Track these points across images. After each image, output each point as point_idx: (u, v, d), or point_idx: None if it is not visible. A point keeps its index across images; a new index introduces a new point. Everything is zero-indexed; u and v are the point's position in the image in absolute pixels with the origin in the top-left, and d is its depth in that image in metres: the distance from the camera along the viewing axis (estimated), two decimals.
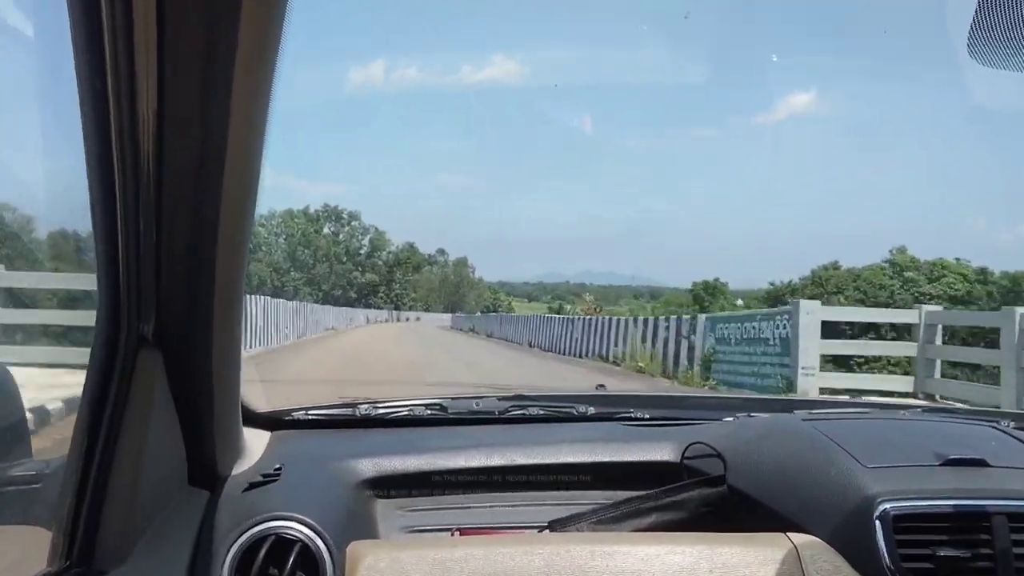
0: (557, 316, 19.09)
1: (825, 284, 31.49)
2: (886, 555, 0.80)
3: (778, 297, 30.95)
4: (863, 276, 30.93)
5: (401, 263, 57.02)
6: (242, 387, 0.88)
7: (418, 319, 51.28)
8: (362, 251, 57.84)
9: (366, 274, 54.59)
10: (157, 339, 0.74)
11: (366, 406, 1.19)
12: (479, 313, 47.72)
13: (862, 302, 28.79)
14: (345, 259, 54.32)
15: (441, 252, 61.02)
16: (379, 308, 49.66)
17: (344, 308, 35.33)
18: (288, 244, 52.50)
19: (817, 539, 0.84)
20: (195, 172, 0.63)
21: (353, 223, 58.00)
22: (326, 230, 55.31)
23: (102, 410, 0.71)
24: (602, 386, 1.46)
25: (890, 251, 31.27)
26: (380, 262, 57.55)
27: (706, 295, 36.52)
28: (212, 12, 0.53)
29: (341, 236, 56.08)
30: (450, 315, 51.72)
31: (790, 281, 32.83)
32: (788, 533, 0.85)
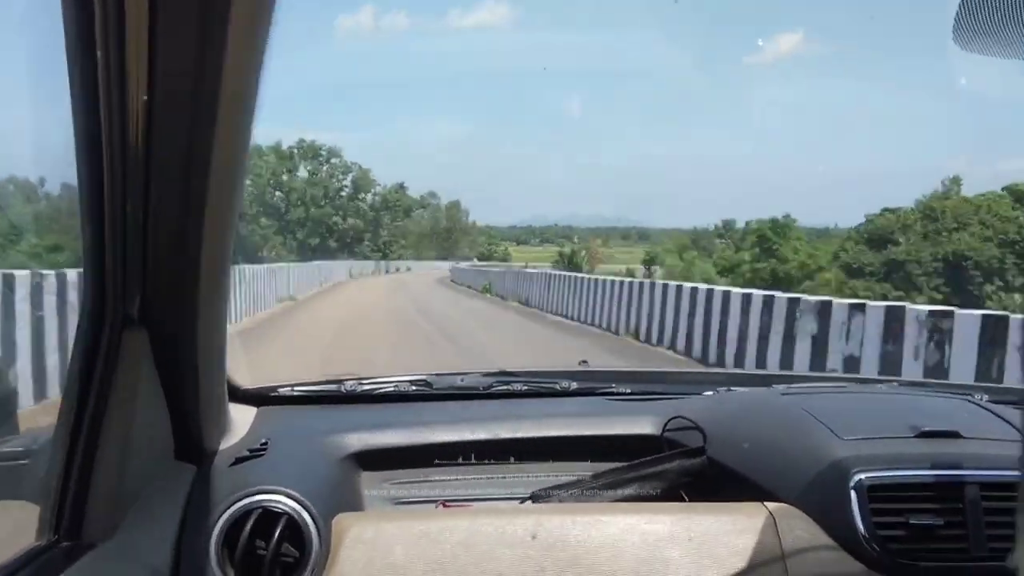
0: (617, 280, 10.36)
1: (941, 217, 26.93)
2: (861, 524, 0.81)
3: (884, 237, 25.56)
4: (984, 207, 26.38)
5: (389, 206, 49.75)
6: (228, 363, 0.89)
7: (408, 269, 45.29)
8: (343, 192, 49.40)
9: (348, 219, 46.18)
10: (143, 318, 0.73)
11: (352, 382, 1.18)
12: (476, 261, 43.09)
13: (990, 239, 24.04)
14: (324, 202, 44.62)
15: (432, 195, 54.36)
16: (365, 258, 42.32)
17: (321, 262, 26.95)
18: (255, 186, 41.80)
19: (794, 508, 0.86)
20: (183, 151, 0.63)
21: (333, 160, 48.88)
22: (301, 170, 45.73)
23: (89, 387, 0.71)
24: (584, 361, 1.46)
25: (942, 182, 27.15)
26: (364, 205, 49.37)
27: (774, 236, 28.69)
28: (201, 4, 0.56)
29: (319, 176, 46.15)
30: (447, 264, 45.90)
31: (880, 212, 26.94)
32: (766, 503, 0.86)
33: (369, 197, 50.91)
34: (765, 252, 27.87)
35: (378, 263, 42.03)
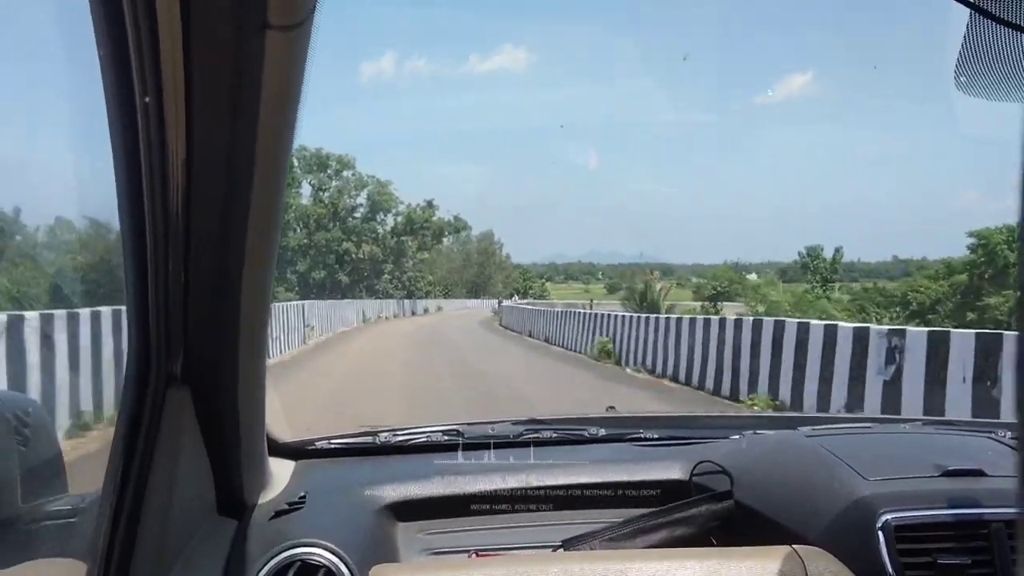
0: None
1: None
2: (889, 564, 0.92)
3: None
4: None
5: (415, 229, 43.31)
6: (267, 419, 1.02)
7: (439, 309, 42.91)
8: (357, 213, 42.76)
9: (363, 246, 40.48)
10: (185, 376, 0.85)
11: (386, 434, 1.35)
12: (516, 298, 41.71)
13: None
14: (332, 225, 39.30)
15: (458, 219, 46.92)
16: (387, 296, 38.31)
17: (315, 302, 19.98)
18: None
19: (822, 550, 0.95)
20: (221, 215, 0.74)
21: (345, 173, 41.66)
22: (304, 186, 39.94)
23: (134, 445, 0.82)
24: (612, 407, 1.63)
25: None
26: (384, 229, 43.11)
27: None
28: (238, 59, 0.64)
29: (327, 193, 40.26)
30: (479, 303, 46.65)
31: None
32: (794, 545, 0.96)
33: (390, 220, 44.35)
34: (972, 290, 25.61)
35: (401, 302, 37.86)
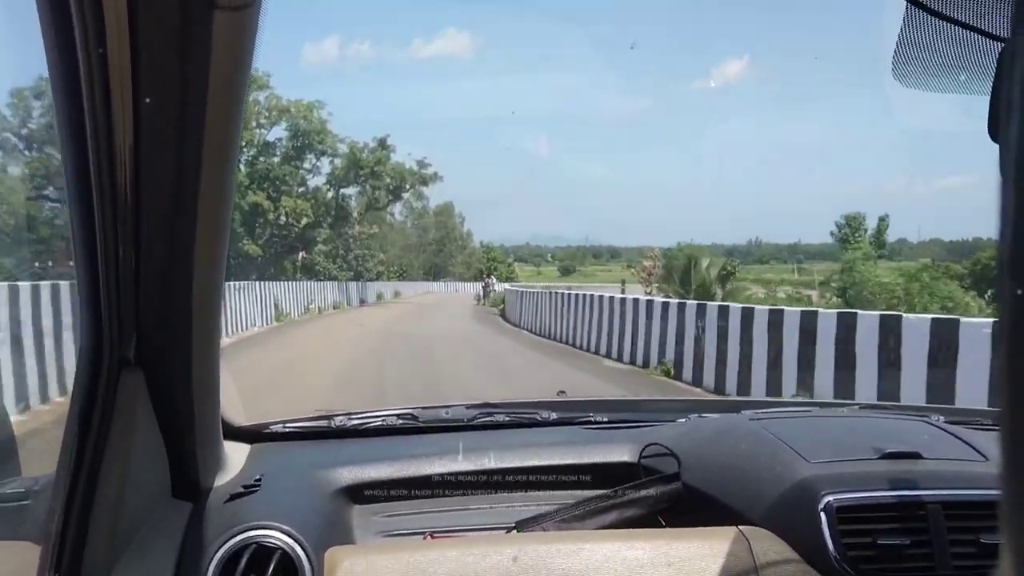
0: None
1: None
2: (831, 544, 1.08)
3: None
4: None
5: (362, 178, 34.35)
6: (222, 402, 1.15)
7: (397, 295, 39.30)
8: (275, 153, 32.55)
9: (284, 201, 31.25)
10: (138, 360, 0.96)
11: (341, 417, 1.52)
12: (491, 280, 37.45)
13: None
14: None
15: (423, 165, 36.47)
16: (326, 276, 31.61)
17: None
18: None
19: (767, 531, 1.12)
20: (171, 197, 0.83)
21: (256, 96, 30.36)
22: None
23: (88, 429, 0.93)
24: (563, 392, 1.89)
25: None
26: (317, 179, 33.98)
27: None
28: (185, 41, 0.72)
29: None
30: (442, 286, 46.14)
31: None
32: (739, 526, 1.13)
33: (325, 164, 34.27)
34: None
35: (344, 286, 31.50)
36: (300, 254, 32.95)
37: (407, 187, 37.69)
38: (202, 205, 0.85)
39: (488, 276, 41.23)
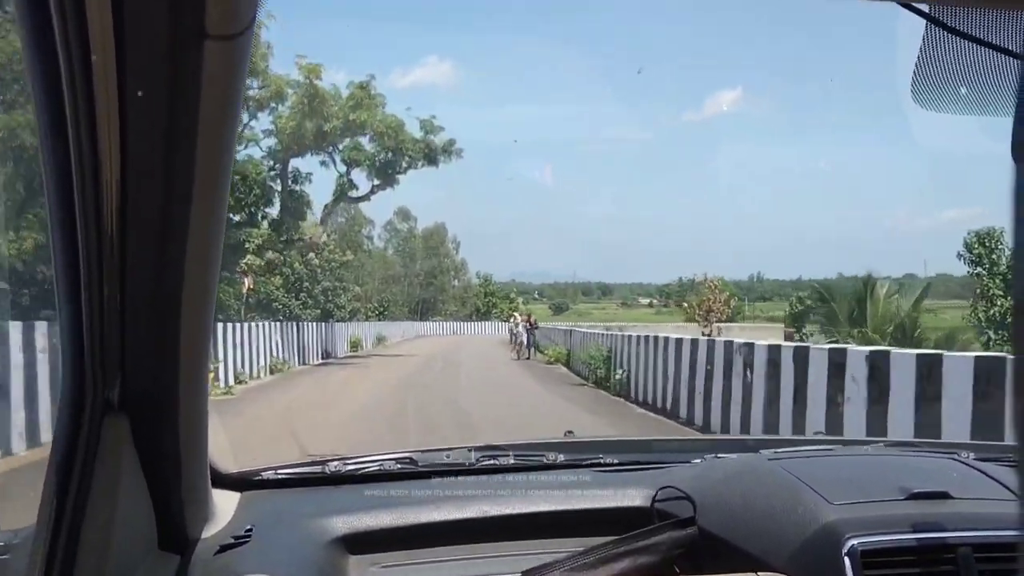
0: None
1: None
2: None
3: None
4: None
5: (332, 134, 23.31)
6: (210, 448, 1.21)
7: (380, 342, 33.49)
8: None
9: None
10: (123, 404, 1.02)
11: (336, 463, 1.62)
12: (518, 319, 30.05)
13: None
14: None
15: (431, 127, 24.89)
16: (283, 317, 25.30)
17: None
18: None
19: None
20: (158, 235, 0.89)
21: None
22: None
23: (69, 476, 0.98)
24: (570, 432, 1.96)
25: None
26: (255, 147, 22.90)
27: None
28: (175, 71, 0.77)
29: None
30: (471, 325, 42.20)
31: None
32: (759, 573, 1.20)
33: (265, 121, 23.25)
34: None
35: (301, 330, 22.88)
36: (246, 282, 22.72)
37: (404, 162, 24.14)
38: (191, 242, 0.89)
39: (526, 316, 31.18)
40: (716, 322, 24.63)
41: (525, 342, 27.29)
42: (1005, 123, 0.79)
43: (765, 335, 20.75)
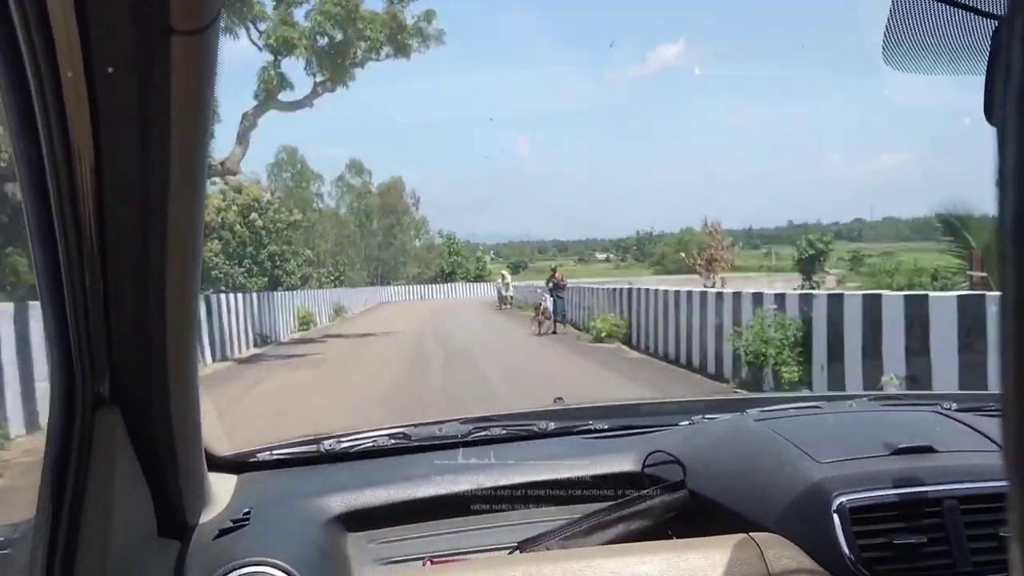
0: None
1: None
2: (846, 547, 1.26)
3: None
4: None
5: None
6: (204, 432, 1.30)
7: (339, 314, 31.92)
8: None
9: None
10: (114, 396, 1.10)
11: (330, 441, 1.74)
12: (506, 278, 33.71)
13: None
14: None
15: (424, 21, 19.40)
16: (225, 288, 24.99)
17: None
18: None
19: (778, 536, 1.30)
20: (137, 228, 0.95)
21: None
22: None
23: (65, 471, 1.06)
24: (560, 399, 2.09)
25: None
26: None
27: None
28: (142, 68, 0.82)
29: None
30: (441, 289, 41.31)
31: None
32: (750, 533, 1.30)
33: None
34: None
35: (232, 299, 18.69)
36: None
37: (359, 49, 20.10)
38: (171, 233, 0.94)
39: (552, 272, 26.01)
40: (721, 272, 23.49)
41: (551, 309, 21.28)
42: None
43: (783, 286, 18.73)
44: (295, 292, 27.98)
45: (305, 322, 25.64)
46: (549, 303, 21.49)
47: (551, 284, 22.36)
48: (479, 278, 50.01)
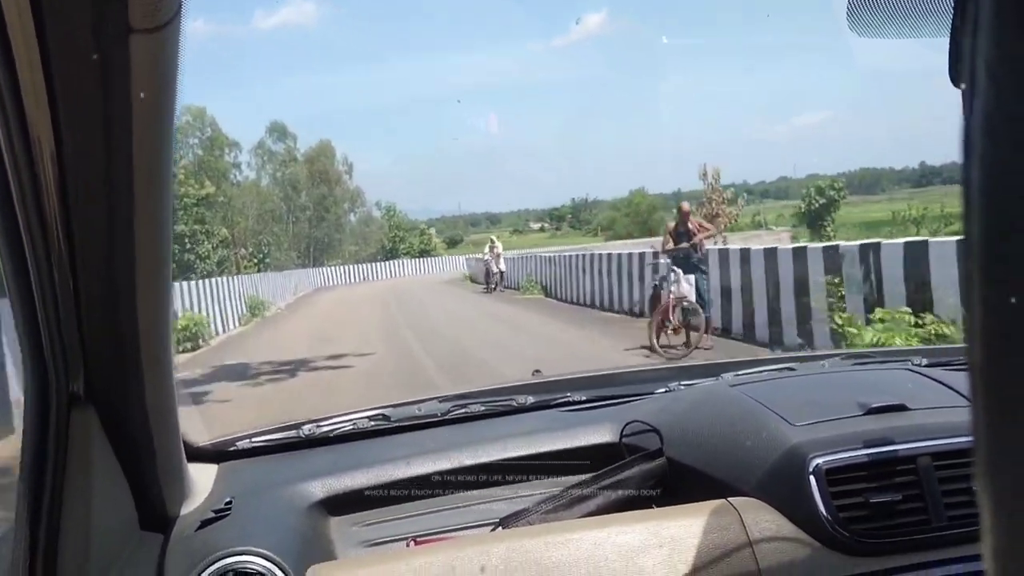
0: None
1: None
2: (823, 508, 1.38)
3: None
4: None
5: None
6: (181, 423, 1.39)
7: (259, 309, 20.58)
8: None
9: None
10: (88, 393, 1.18)
11: (309, 426, 1.86)
12: (487, 254, 27.55)
13: None
14: None
15: None
16: None
17: None
18: None
19: (757, 500, 1.42)
20: (103, 223, 1.01)
21: None
22: None
23: (43, 471, 1.12)
24: (538, 371, 2.32)
25: None
26: None
27: None
28: (103, 68, 0.87)
29: None
30: (394, 265, 38.61)
31: None
32: (729, 498, 1.42)
33: None
34: None
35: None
36: None
37: None
38: (138, 227, 0.99)
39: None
40: (724, 230, 20.29)
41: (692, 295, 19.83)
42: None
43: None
44: (191, 283, 20.52)
45: (190, 336, 17.11)
46: (684, 284, 11.58)
47: (678, 253, 11.92)
48: (424, 253, 48.29)
